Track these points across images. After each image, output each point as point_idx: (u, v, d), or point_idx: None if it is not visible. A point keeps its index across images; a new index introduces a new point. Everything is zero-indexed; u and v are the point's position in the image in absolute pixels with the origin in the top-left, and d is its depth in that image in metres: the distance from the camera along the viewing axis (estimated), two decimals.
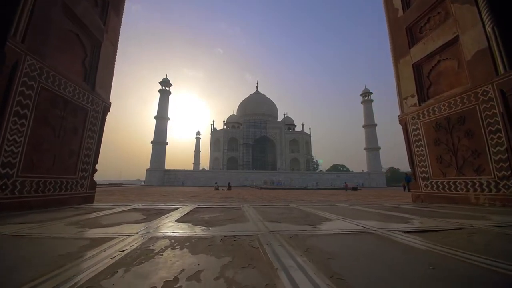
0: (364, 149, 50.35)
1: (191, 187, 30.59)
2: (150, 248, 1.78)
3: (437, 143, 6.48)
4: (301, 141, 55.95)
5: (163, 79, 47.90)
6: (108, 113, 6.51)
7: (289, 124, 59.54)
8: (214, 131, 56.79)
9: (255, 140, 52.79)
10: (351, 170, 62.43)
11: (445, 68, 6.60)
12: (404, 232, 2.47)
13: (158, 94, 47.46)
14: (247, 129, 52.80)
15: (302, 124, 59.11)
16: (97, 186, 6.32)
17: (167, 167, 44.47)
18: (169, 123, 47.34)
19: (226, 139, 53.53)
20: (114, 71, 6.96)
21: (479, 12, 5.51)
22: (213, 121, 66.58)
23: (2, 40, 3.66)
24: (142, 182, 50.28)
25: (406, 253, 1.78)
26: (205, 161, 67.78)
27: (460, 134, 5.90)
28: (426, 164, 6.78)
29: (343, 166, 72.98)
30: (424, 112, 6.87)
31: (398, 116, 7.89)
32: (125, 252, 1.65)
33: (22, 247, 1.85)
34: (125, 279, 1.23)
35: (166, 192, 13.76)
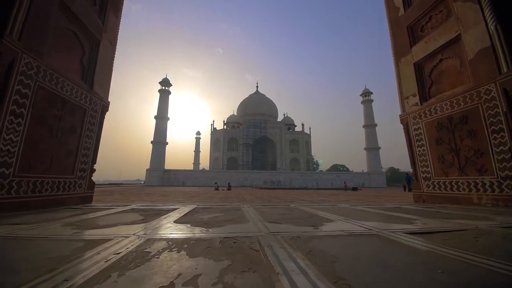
0: (364, 149, 50.29)
1: (191, 187, 30.52)
2: (146, 250, 1.72)
3: (439, 142, 6.41)
4: (301, 141, 55.89)
5: (163, 79, 47.85)
6: (108, 112, 6.46)
7: (289, 124, 59.48)
8: (214, 131, 56.72)
9: (255, 140, 52.72)
10: (351, 170, 62.38)
11: (447, 67, 6.54)
12: (408, 233, 2.41)
13: (158, 94, 47.43)
14: (247, 129, 52.73)
15: (302, 124, 59.06)
16: (97, 186, 6.26)
17: (167, 167, 44.42)
18: (169, 123, 47.35)
19: (226, 139, 53.45)
20: (114, 71, 6.91)
21: (482, 10, 5.45)
22: (213, 121, 66.63)
23: None
24: (142, 182, 50.21)
25: (412, 255, 1.71)
26: (205, 161, 67.78)
27: (462, 134, 5.83)
28: (428, 164, 6.72)
29: (343, 166, 72.93)
30: (426, 111, 6.81)
31: (399, 115, 7.83)
32: (120, 255, 1.59)
33: (13, 250, 1.79)
34: (118, 284, 1.17)
35: (166, 192, 13.70)
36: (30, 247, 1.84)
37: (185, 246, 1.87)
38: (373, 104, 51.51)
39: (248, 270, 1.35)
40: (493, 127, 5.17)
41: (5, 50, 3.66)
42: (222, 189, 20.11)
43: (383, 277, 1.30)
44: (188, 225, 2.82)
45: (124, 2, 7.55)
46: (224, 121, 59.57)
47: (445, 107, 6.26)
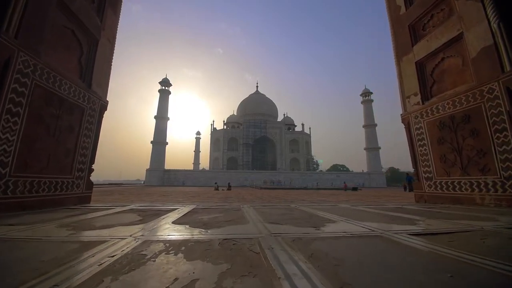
0: (364, 149, 50.19)
1: (191, 187, 30.45)
2: (142, 253, 1.65)
3: (441, 142, 6.35)
4: (301, 141, 55.80)
5: (163, 79, 47.74)
6: (108, 112, 6.42)
7: (289, 124, 59.38)
8: (214, 131, 56.63)
9: (255, 140, 52.62)
10: (351, 170, 62.27)
11: (449, 66, 6.47)
12: (412, 234, 2.35)
13: (158, 94, 47.32)
14: (247, 129, 52.64)
15: (302, 124, 58.96)
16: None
17: (167, 167, 44.32)
18: (169, 123, 47.21)
19: (226, 139, 53.36)
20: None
21: (484, 8, 5.38)
22: (213, 121, 66.53)
23: None
24: (142, 182, 50.12)
25: (418, 258, 1.65)
26: (205, 161, 67.66)
27: (464, 133, 5.77)
28: (429, 164, 6.65)
29: (343, 166, 72.81)
30: (428, 110, 6.74)
31: (401, 115, 7.76)
32: (115, 258, 1.52)
33: (4, 252, 1.72)
34: None
35: (166, 192, 13.63)
36: (22, 249, 1.77)
37: (183, 248, 1.80)
38: (373, 104, 51.43)
39: (248, 275, 1.29)
40: (496, 126, 5.10)
41: (1, 47, 3.60)
42: (222, 189, 20.04)
43: (390, 282, 1.24)
44: (187, 226, 2.76)
45: (123, 1, 7.49)
46: (224, 121, 59.48)
47: (447, 106, 6.19)
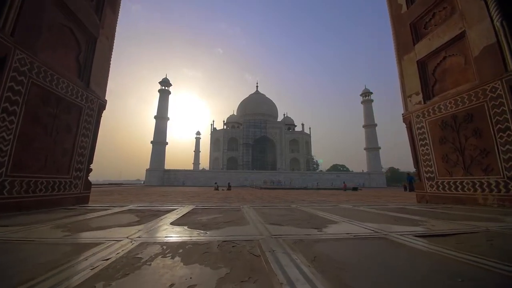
0: (364, 149, 50.14)
1: (191, 187, 30.37)
2: (137, 256, 1.59)
3: (443, 142, 6.28)
4: (301, 141, 55.74)
5: (163, 79, 47.70)
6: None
7: (289, 124, 59.31)
8: (214, 131, 56.56)
9: (255, 140, 52.56)
10: (351, 170, 62.21)
11: (451, 65, 6.41)
12: (418, 236, 2.28)
13: (158, 94, 47.26)
14: (247, 129, 52.57)
15: (302, 124, 58.90)
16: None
17: (167, 167, 44.27)
18: (169, 123, 47.19)
19: (226, 139, 53.30)
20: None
21: (487, 6, 5.31)
22: (213, 121, 66.45)
23: None
24: (142, 182, 50.04)
25: (426, 261, 1.58)
26: (205, 161, 67.58)
27: (467, 133, 5.70)
28: (431, 164, 6.59)
29: (343, 166, 72.75)
30: (430, 110, 6.68)
31: (402, 114, 7.69)
32: (109, 261, 1.46)
33: None
34: None
35: (165, 192, 13.56)
36: (13, 252, 1.71)
37: (181, 251, 1.74)
38: (373, 104, 51.41)
39: (248, 280, 1.22)
40: (499, 125, 5.04)
41: None
42: (222, 189, 19.97)
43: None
44: (185, 227, 2.69)
45: None
46: (224, 121, 59.41)
47: (449, 105, 6.12)
